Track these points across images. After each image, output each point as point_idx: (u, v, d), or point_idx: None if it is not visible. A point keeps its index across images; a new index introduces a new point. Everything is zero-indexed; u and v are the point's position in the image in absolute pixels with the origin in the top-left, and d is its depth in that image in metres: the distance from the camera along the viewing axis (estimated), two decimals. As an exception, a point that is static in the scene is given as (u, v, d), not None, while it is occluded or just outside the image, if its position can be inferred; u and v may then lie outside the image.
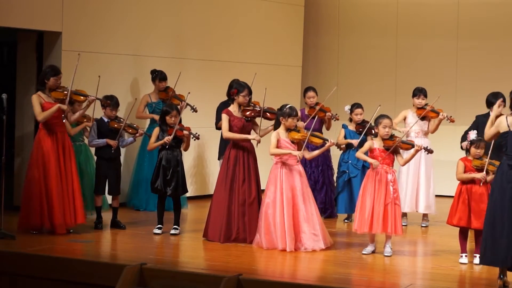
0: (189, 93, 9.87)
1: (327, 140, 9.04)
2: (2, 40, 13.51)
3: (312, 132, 9.07)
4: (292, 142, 8.99)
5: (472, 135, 8.50)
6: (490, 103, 10.13)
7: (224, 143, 11.03)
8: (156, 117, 11.13)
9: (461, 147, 9.17)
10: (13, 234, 8.97)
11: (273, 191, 8.94)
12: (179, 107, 10.09)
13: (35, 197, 9.22)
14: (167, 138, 9.49)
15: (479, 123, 10.17)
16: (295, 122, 8.99)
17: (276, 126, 9.08)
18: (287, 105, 9.04)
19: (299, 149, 9.00)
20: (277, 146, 8.93)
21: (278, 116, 9.05)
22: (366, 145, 8.88)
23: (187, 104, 9.47)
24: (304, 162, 9.90)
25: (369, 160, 8.70)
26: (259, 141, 9.31)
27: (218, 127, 11.27)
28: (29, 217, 9.25)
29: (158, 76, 11.37)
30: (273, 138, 8.93)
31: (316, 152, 9.25)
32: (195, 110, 9.46)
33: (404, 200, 10.51)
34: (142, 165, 11.35)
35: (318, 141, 9.07)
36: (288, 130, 8.99)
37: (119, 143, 9.93)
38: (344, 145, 10.68)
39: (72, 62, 10.42)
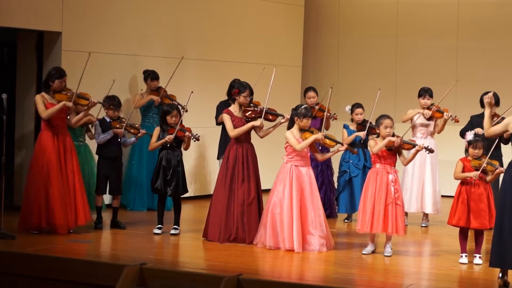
0: (192, 92, 9.81)
1: (341, 144, 9.06)
2: (2, 40, 13.49)
3: (326, 134, 9.09)
4: None
5: (469, 135, 8.49)
6: (484, 103, 10.16)
7: (224, 143, 11.02)
8: (154, 97, 11.15)
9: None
10: (13, 234, 8.96)
11: (281, 190, 8.92)
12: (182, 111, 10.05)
13: (35, 198, 9.21)
14: (169, 137, 9.48)
15: (474, 123, 10.18)
16: (309, 123, 8.99)
17: (289, 126, 9.08)
18: (302, 105, 9.05)
19: (312, 151, 9.06)
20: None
21: (292, 116, 9.03)
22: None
23: (178, 104, 9.42)
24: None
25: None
26: (262, 127, 9.29)
27: (219, 123, 11.25)
28: (29, 217, 9.25)
29: (150, 75, 11.39)
30: (291, 137, 8.90)
31: (329, 154, 9.32)
32: (185, 110, 9.47)
33: (409, 201, 10.50)
34: (130, 164, 11.33)
35: (331, 143, 9.09)
36: (302, 130, 8.99)
37: (121, 143, 9.93)
38: (356, 149, 10.62)
39: (71, 62, 10.45)
